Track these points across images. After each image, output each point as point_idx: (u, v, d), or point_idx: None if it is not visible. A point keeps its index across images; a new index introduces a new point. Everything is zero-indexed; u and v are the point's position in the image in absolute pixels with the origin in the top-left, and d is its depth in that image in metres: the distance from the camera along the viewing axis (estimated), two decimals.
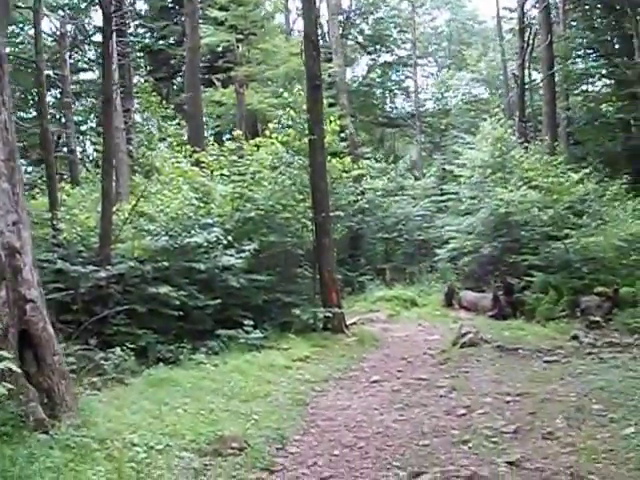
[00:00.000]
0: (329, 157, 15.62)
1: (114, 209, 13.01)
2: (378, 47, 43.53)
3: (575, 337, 12.24)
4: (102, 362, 9.84)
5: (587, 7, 31.61)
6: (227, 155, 15.66)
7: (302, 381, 9.93)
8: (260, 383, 9.43)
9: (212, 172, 15.69)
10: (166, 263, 12.17)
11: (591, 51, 27.69)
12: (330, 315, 14.17)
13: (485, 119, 25.33)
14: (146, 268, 11.95)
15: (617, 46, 28.71)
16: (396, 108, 47.16)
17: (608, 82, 30.25)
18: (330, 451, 6.73)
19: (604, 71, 25.56)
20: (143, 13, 35.96)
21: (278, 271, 14.98)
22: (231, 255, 13.10)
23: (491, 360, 11.00)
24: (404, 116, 43.95)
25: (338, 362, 11.69)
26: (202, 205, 14.31)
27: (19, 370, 6.15)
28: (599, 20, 30.37)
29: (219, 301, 12.42)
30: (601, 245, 15.71)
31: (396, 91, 46.58)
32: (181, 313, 11.68)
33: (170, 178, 14.84)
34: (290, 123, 15.59)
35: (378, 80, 45.02)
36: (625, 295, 14.27)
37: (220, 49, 29.54)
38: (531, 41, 25.63)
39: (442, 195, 28.52)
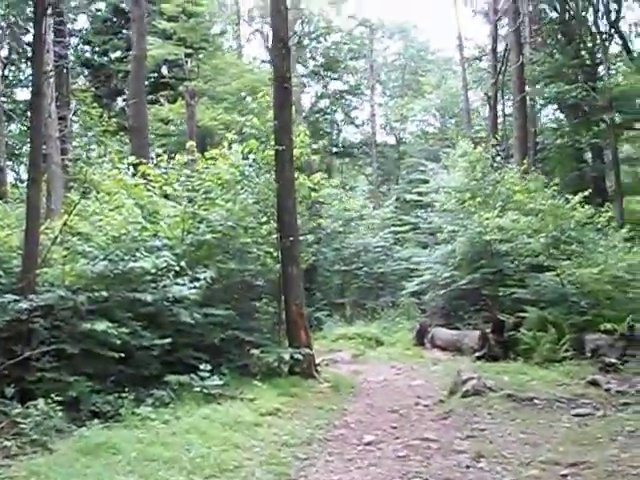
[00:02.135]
0: (296, 173, 13.53)
1: (43, 227, 10.72)
2: (329, 74, 41.92)
3: (594, 383, 10.34)
4: (20, 420, 7.64)
5: (547, 36, 30.90)
6: (178, 169, 13.36)
7: (279, 444, 7.76)
8: (227, 448, 7.26)
9: (160, 188, 13.37)
10: (105, 293, 9.87)
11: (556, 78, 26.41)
12: (299, 357, 12.03)
13: (449, 146, 23.89)
14: (80, 299, 9.63)
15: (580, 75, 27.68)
16: (345, 138, 45.52)
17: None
18: None
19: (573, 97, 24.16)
20: (84, 30, 33.66)
21: (236, 305, 12.81)
22: (183, 285, 10.86)
23: (506, 413, 8.98)
24: (355, 145, 42.42)
25: (316, 416, 9.53)
26: (148, 226, 12.05)
27: None
28: (559, 48, 29.70)
29: (168, 340, 10.18)
30: (596, 277, 14.00)
31: (346, 120, 44.98)
32: (122, 355, 9.38)
33: (111, 193, 12.45)
34: (253, 132, 13.46)
35: (328, 108, 43.52)
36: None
37: (167, 65, 27.58)
38: (503, 62, 23.89)
39: (403, 225, 26.86)
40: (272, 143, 12.87)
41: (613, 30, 29.22)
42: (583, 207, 15.36)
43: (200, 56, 25.73)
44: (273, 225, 13.26)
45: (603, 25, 30.06)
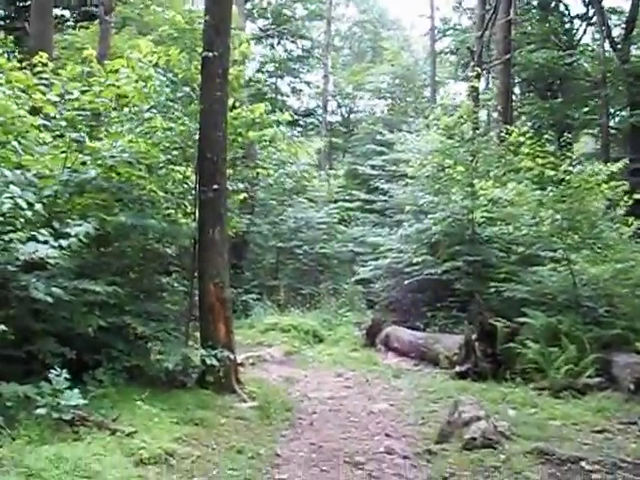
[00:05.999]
0: (231, 100, 9.61)
1: None
2: (280, 34, 37.93)
3: None
4: None
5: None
6: (64, 81, 9.25)
7: None
8: None
9: (39, 107, 9.17)
10: None
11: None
12: (214, 362, 8.21)
13: (411, 116, 20.33)
14: None
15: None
16: (290, 107, 41.60)
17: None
18: None
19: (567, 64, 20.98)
20: None
21: (130, 278, 8.94)
22: (44, 242, 6.88)
23: None
24: (301, 114, 38.57)
25: (232, 467, 5.76)
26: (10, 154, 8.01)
27: None
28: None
29: (4, 328, 6.24)
30: (619, 278, 10.58)
31: (294, 88, 41.07)
32: None
33: None
34: (176, 35, 9.52)
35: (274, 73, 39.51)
36: None
37: None
38: (492, 14, 20.02)
39: (352, 201, 23.25)
40: (200, 50, 8.94)
41: (593, 11, 26.32)
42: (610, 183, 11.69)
43: None
44: (191, 170, 9.39)
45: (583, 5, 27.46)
